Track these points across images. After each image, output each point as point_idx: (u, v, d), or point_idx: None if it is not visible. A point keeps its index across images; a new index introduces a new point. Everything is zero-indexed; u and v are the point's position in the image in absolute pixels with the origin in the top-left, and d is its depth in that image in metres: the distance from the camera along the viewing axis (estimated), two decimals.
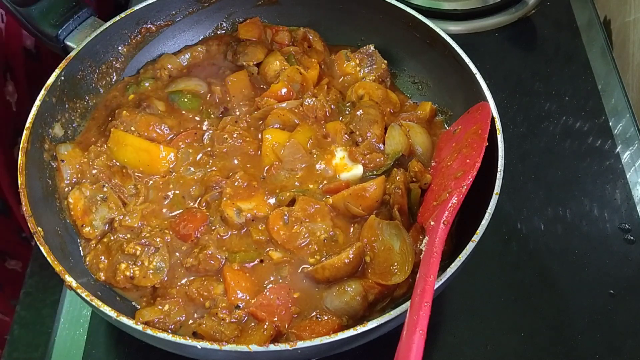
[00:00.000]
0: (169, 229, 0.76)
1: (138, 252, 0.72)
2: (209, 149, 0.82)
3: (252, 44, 0.93)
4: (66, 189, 0.77)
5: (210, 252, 0.72)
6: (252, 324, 0.69)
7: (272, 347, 0.58)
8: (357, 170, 0.81)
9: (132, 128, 0.82)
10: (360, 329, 0.60)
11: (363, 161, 0.81)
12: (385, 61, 0.94)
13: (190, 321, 0.70)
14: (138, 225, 0.76)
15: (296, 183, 0.80)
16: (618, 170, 0.97)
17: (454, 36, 0.85)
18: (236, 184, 0.77)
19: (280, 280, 0.72)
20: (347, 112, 0.88)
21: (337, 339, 0.59)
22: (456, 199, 0.69)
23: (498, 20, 1.16)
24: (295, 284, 0.72)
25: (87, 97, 0.86)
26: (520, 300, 0.84)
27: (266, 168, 0.81)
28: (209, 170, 0.80)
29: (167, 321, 0.69)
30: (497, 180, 0.70)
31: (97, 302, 0.61)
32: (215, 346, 0.58)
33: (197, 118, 0.86)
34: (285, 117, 0.83)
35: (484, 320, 0.82)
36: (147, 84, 0.89)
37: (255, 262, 0.74)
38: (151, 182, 0.80)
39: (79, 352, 0.76)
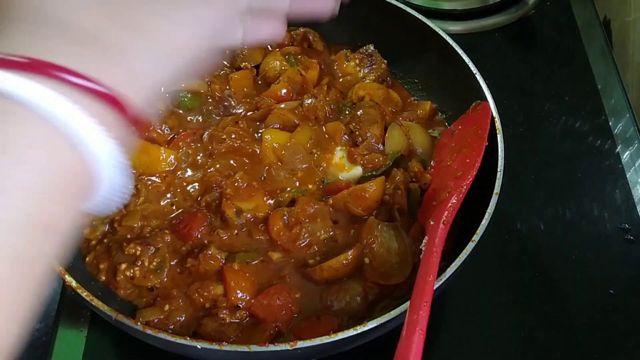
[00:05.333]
0: (169, 229, 0.76)
1: (138, 252, 0.72)
2: (209, 149, 0.82)
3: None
4: None
5: (210, 252, 0.72)
6: (253, 324, 0.70)
7: (272, 347, 0.58)
8: (357, 170, 0.81)
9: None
10: (360, 329, 0.60)
11: (362, 162, 0.81)
12: (385, 61, 0.94)
13: (191, 321, 0.70)
14: (138, 225, 0.76)
15: (296, 183, 0.80)
16: (618, 170, 0.97)
17: (454, 36, 0.85)
18: (236, 184, 0.77)
19: (280, 281, 0.72)
20: (347, 112, 0.88)
21: (337, 339, 0.59)
22: (456, 198, 0.69)
23: (498, 20, 1.16)
24: (295, 284, 0.72)
25: None
26: (520, 300, 0.84)
27: (266, 168, 0.81)
28: (208, 170, 0.80)
29: (167, 321, 0.69)
30: (497, 180, 0.71)
31: (97, 302, 0.61)
32: (215, 346, 0.58)
33: (197, 117, 0.86)
34: (286, 118, 0.83)
35: (484, 320, 0.82)
36: None
37: (255, 262, 0.74)
38: (151, 182, 0.79)
39: (79, 352, 0.76)
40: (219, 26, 0.40)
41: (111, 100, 0.32)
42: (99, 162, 0.32)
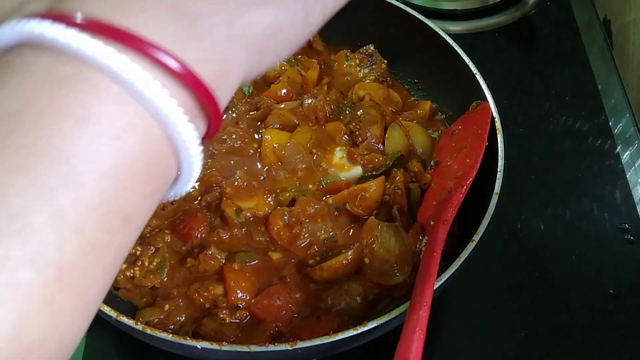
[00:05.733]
0: (169, 229, 0.76)
1: (138, 252, 0.72)
2: (209, 149, 0.82)
3: None
4: None
5: (210, 252, 0.72)
6: (253, 324, 0.70)
7: (272, 347, 0.58)
8: (357, 170, 0.81)
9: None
10: (360, 329, 0.60)
11: (362, 162, 0.81)
12: (386, 61, 0.94)
13: (191, 321, 0.70)
14: None
15: (296, 183, 0.80)
16: (618, 170, 0.97)
17: (454, 36, 0.85)
18: (236, 184, 0.77)
19: (280, 281, 0.72)
20: (348, 112, 0.88)
21: (337, 339, 0.59)
22: (456, 198, 0.69)
23: (498, 20, 1.16)
24: (296, 284, 0.72)
25: None
26: (520, 301, 0.84)
27: (266, 168, 0.81)
28: (208, 170, 0.80)
29: (167, 321, 0.69)
30: (497, 180, 0.71)
31: None
32: (215, 346, 0.58)
33: None
34: (285, 118, 0.83)
35: (484, 320, 0.82)
36: None
37: (255, 262, 0.74)
38: None
39: (79, 353, 0.76)
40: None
41: (202, 93, 0.29)
42: (188, 155, 0.30)
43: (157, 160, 0.29)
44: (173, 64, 0.28)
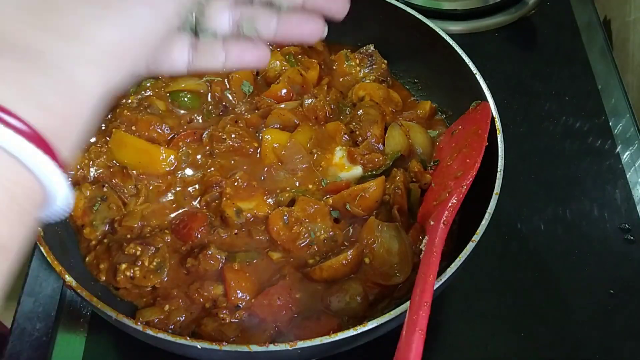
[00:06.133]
0: (169, 229, 0.76)
1: (138, 253, 0.72)
2: (209, 149, 0.82)
3: None
4: None
5: (210, 252, 0.72)
6: (253, 324, 0.70)
7: (272, 347, 0.58)
8: (357, 170, 0.81)
9: (133, 128, 0.82)
10: (360, 329, 0.60)
11: (362, 161, 0.81)
12: (386, 61, 0.94)
13: (191, 321, 0.70)
14: (138, 225, 0.76)
15: (296, 183, 0.80)
16: (618, 170, 0.97)
17: (454, 36, 0.85)
18: (236, 184, 0.77)
19: (280, 280, 0.72)
20: (348, 112, 0.88)
21: (337, 339, 0.59)
22: (456, 198, 0.69)
23: (498, 20, 1.16)
24: (296, 284, 0.72)
25: None
26: (520, 300, 0.84)
27: (266, 168, 0.81)
28: (208, 170, 0.80)
29: (167, 321, 0.69)
30: (497, 180, 0.71)
31: (97, 302, 0.61)
32: (215, 346, 0.58)
33: (197, 117, 0.86)
34: (286, 117, 0.83)
35: (484, 320, 0.82)
36: (147, 84, 0.89)
37: (255, 261, 0.74)
38: (152, 182, 0.79)
39: (79, 352, 0.76)
40: (169, 19, 0.38)
41: (38, 141, 0.31)
42: (51, 184, 0.32)
43: (24, 193, 0.31)
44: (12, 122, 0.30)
